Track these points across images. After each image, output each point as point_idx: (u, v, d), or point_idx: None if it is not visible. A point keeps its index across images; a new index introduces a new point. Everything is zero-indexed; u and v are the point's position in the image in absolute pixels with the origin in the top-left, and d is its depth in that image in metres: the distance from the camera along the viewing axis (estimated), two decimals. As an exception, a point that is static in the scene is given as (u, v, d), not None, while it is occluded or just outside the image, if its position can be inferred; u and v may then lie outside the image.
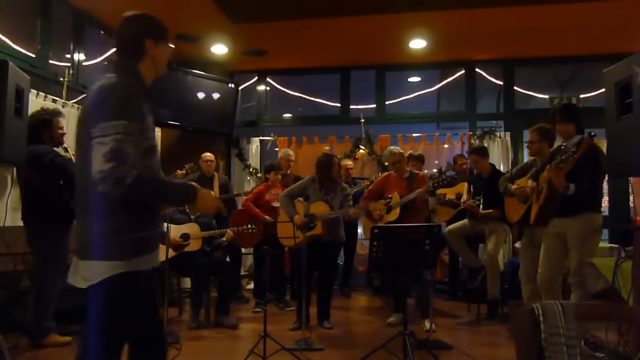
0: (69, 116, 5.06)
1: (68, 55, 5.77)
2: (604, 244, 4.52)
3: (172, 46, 2.08)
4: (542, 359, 1.41)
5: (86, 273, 1.86)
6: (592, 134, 3.60)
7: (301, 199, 4.79)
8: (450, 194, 5.62)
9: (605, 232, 6.27)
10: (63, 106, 5.13)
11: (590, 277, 3.47)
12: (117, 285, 1.84)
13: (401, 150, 5.05)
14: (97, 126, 1.79)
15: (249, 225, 5.21)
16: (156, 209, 2.05)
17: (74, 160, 4.33)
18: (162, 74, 2.05)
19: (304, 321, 4.31)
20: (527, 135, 7.28)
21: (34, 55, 5.21)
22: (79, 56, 5.88)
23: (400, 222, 4.59)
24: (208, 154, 6.08)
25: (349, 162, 6.64)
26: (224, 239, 5.13)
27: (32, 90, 4.88)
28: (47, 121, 4.13)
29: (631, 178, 4.44)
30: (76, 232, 1.97)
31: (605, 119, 3.05)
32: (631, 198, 6.64)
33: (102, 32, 6.34)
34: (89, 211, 1.87)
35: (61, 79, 5.39)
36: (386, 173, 5.27)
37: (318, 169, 4.82)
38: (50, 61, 5.44)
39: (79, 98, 5.77)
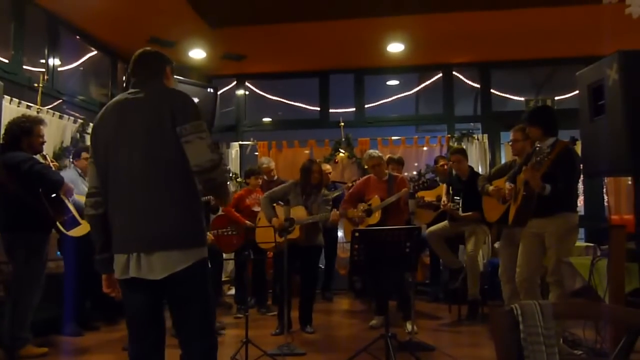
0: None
1: (42, 61, 5.68)
2: (580, 243, 4.59)
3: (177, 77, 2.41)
4: (522, 359, 1.43)
5: (159, 263, 2.03)
6: (574, 137, 3.65)
7: (281, 203, 4.79)
8: (430, 196, 5.66)
9: (582, 231, 6.38)
10: (38, 112, 5.04)
11: (568, 276, 3.52)
12: (203, 266, 2.14)
13: (380, 154, 5.07)
14: (190, 124, 2.07)
15: (229, 228, 5.18)
16: None
17: (53, 168, 4.26)
18: None
19: (286, 326, 4.29)
20: (504, 137, 7.44)
21: (7, 61, 5.11)
22: (53, 61, 5.79)
23: (381, 225, 4.62)
24: None
25: (327, 167, 6.64)
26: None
27: (6, 96, 4.80)
28: (27, 129, 4.02)
29: (605, 178, 4.53)
30: (128, 226, 2.07)
31: (579, 120, 3.11)
32: (606, 197, 6.77)
33: (77, 36, 6.25)
34: (167, 202, 2.06)
35: (36, 85, 5.30)
36: (366, 176, 5.28)
37: (300, 174, 4.83)
38: (24, 67, 5.35)
39: (54, 104, 5.68)
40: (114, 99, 2.25)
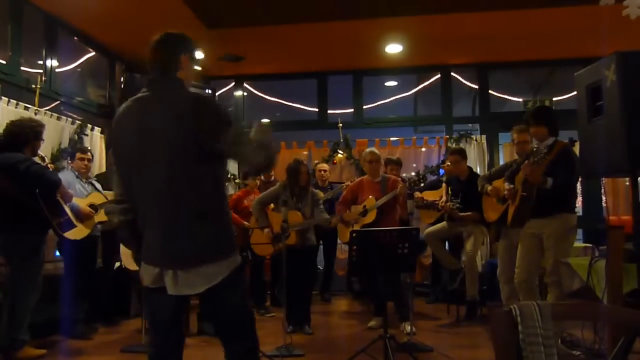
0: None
1: (40, 62, 5.66)
2: (578, 244, 4.59)
3: (199, 68, 2.24)
4: (521, 359, 1.43)
5: (199, 278, 2.03)
6: (573, 139, 3.66)
7: (280, 207, 4.80)
8: (434, 196, 5.67)
9: (580, 232, 6.38)
10: (35, 113, 5.03)
11: (566, 276, 3.53)
12: (238, 272, 2.14)
13: (379, 153, 5.11)
14: (228, 134, 2.02)
15: None
16: None
17: (53, 169, 4.25)
18: (190, 85, 2.23)
19: (286, 327, 4.28)
20: (502, 137, 7.44)
21: (4, 62, 5.10)
22: (51, 62, 5.77)
23: (376, 224, 4.66)
24: None
25: (324, 166, 6.64)
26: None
27: (3, 97, 4.80)
28: (39, 134, 4.05)
29: (603, 179, 4.52)
30: (160, 243, 2.05)
31: (578, 121, 3.11)
32: (604, 198, 6.78)
33: (75, 37, 6.24)
34: (197, 218, 2.03)
35: (33, 86, 5.28)
36: (359, 179, 5.32)
37: (287, 176, 4.84)
38: (22, 68, 5.34)
39: (52, 105, 5.67)
40: (130, 101, 2.16)
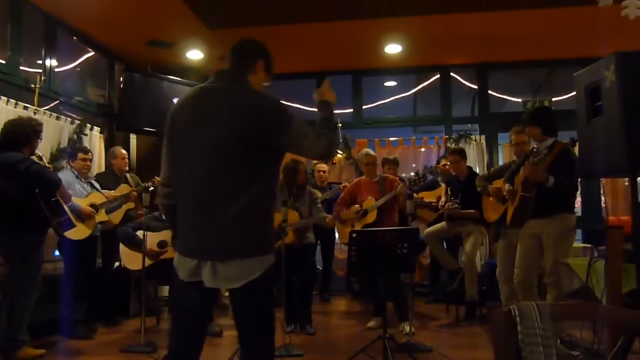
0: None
1: (39, 61, 5.66)
2: (577, 244, 4.60)
3: (267, 84, 2.36)
4: (520, 360, 1.43)
5: (236, 272, 1.98)
6: (574, 139, 3.66)
7: (279, 206, 4.80)
8: (431, 197, 5.67)
9: (579, 232, 6.39)
10: (35, 113, 5.03)
11: (565, 276, 3.53)
12: (270, 272, 2.05)
13: (375, 154, 5.14)
14: (292, 128, 2.12)
15: None
16: None
17: (50, 169, 4.25)
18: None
19: (284, 326, 4.29)
20: (501, 138, 7.45)
21: (4, 62, 5.10)
22: (50, 62, 5.77)
23: (377, 224, 4.67)
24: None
25: (323, 166, 6.64)
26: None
27: (3, 97, 4.79)
28: (39, 132, 4.05)
29: (602, 179, 4.53)
30: (200, 234, 2.02)
31: (577, 121, 3.11)
32: (603, 199, 6.78)
33: (74, 37, 6.23)
34: (242, 210, 1.98)
35: (32, 86, 5.28)
36: (357, 179, 5.34)
37: (285, 175, 4.83)
38: (21, 67, 5.33)
39: (51, 105, 5.66)
40: (196, 88, 2.19)
